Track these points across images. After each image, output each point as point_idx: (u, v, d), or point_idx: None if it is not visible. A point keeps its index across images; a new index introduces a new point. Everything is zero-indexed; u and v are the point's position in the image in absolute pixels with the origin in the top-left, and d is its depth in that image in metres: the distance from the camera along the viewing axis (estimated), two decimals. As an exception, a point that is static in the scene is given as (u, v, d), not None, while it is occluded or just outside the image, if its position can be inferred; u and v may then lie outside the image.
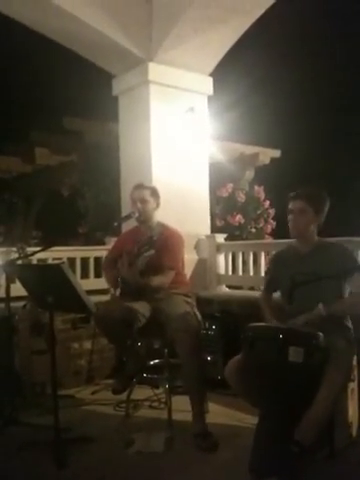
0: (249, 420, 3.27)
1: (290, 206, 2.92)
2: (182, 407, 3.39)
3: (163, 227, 3.67)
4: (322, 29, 9.97)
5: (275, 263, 3.16)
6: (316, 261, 2.87)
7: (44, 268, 3.56)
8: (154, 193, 3.67)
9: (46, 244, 4.73)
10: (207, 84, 5.49)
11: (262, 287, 3.33)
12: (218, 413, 3.62)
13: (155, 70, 5.06)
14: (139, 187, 3.69)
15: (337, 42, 10.30)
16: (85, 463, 2.94)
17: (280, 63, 9.89)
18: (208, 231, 5.56)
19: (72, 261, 5.13)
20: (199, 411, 3.21)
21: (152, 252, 3.39)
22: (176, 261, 3.56)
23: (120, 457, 3.01)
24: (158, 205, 3.69)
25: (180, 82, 5.24)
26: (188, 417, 3.24)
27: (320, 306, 2.70)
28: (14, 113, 10.15)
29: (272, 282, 3.12)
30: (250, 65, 9.12)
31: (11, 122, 9.84)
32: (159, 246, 3.47)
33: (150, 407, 3.83)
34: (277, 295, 3.12)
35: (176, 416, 3.47)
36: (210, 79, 5.50)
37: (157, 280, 3.45)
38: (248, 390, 2.75)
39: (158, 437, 3.19)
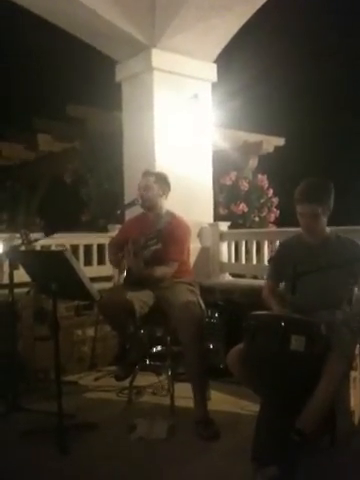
0: (251, 408, 3.29)
1: (300, 210, 2.83)
2: (185, 394, 3.40)
3: (171, 217, 3.64)
4: (328, 18, 9.87)
5: (281, 252, 3.13)
6: (323, 253, 2.85)
7: (47, 255, 3.57)
8: (159, 180, 3.63)
9: (49, 231, 4.72)
10: (211, 71, 5.44)
11: (265, 276, 3.30)
12: (220, 401, 3.63)
13: (159, 56, 5.02)
14: (145, 174, 3.67)
15: (344, 31, 10.20)
16: (88, 449, 2.96)
17: (285, 51, 9.81)
18: (211, 219, 5.55)
19: (75, 248, 5.13)
20: (201, 399, 3.23)
21: (159, 246, 3.36)
22: (180, 253, 3.55)
23: (122, 443, 3.03)
24: (165, 192, 3.64)
25: (184, 69, 5.20)
26: (191, 404, 3.26)
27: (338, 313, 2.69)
28: (17, 100, 10.11)
29: (276, 271, 3.10)
30: (255, 52, 9.04)
31: (14, 109, 9.81)
32: (165, 236, 3.45)
33: (153, 394, 3.85)
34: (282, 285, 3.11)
35: (179, 403, 3.48)
36: (214, 66, 5.45)
37: (160, 271, 3.45)
38: (250, 378, 2.76)
39: (161, 424, 3.21)
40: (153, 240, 3.36)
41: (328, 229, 2.93)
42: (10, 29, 8.40)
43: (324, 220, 2.87)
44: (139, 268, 3.39)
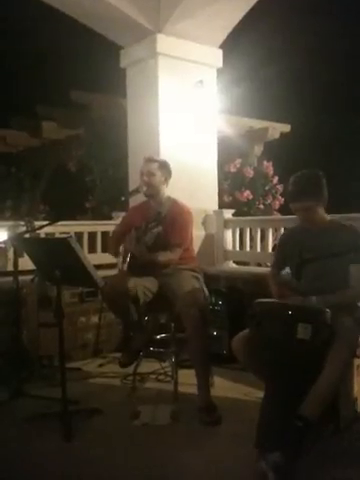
0: (254, 394, 3.31)
1: (293, 207, 2.86)
2: (188, 380, 3.42)
3: (172, 202, 3.64)
4: (336, 3, 9.75)
5: (285, 240, 3.15)
6: (325, 239, 2.86)
7: (51, 242, 3.57)
8: (162, 167, 3.62)
9: (53, 218, 4.73)
10: (216, 57, 5.40)
11: (270, 263, 3.30)
12: (223, 387, 3.65)
13: (164, 42, 4.98)
14: (148, 160, 3.65)
15: (352, 14, 10.05)
16: (92, 435, 2.98)
17: (292, 35, 9.69)
18: (216, 207, 5.53)
19: (79, 236, 5.14)
20: (204, 385, 3.24)
21: (160, 229, 3.38)
22: (184, 238, 3.54)
23: (126, 429, 3.05)
24: (167, 179, 3.63)
25: (189, 54, 5.15)
26: (194, 390, 3.27)
27: (313, 298, 2.69)
28: (21, 87, 10.05)
29: (281, 259, 3.10)
30: (261, 38, 8.94)
31: (18, 96, 9.76)
32: (168, 222, 3.45)
33: (157, 380, 3.88)
34: (286, 272, 3.11)
35: (182, 389, 3.50)
36: (220, 51, 5.40)
37: (164, 256, 3.44)
38: (255, 364, 2.77)
39: (164, 410, 3.23)
40: (153, 223, 3.37)
41: (329, 216, 2.93)
42: (13, 15, 8.33)
43: (321, 210, 2.86)
44: (142, 254, 3.38)
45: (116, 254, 3.65)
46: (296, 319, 2.53)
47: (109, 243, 4.03)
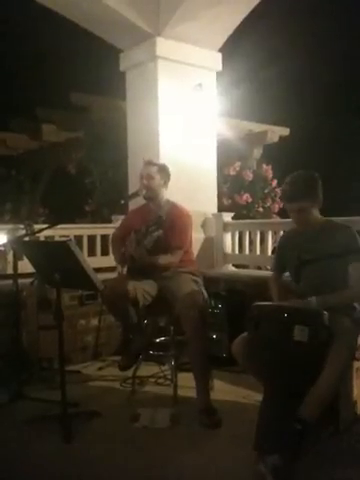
0: (253, 397, 3.32)
1: (287, 208, 2.87)
2: (188, 383, 3.42)
3: (172, 205, 3.65)
4: (335, 5, 9.77)
5: (283, 243, 3.16)
6: (323, 240, 2.86)
7: (51, 245, 3.57)
8: (162, 170, 3.64)
9: (53, 221, 4.73)
10: (216, 60, 5.41)
11: (270, 267, 3.31)
12: (223, 390, 3.65)
13: (163, 45, 4.99)
14: (148, 163, 3.67)
15: (352, 15, 10.07)
16: (91, 437, 2.98)
17: (290, 37, 9.71)
18: (215, 210, 5.53)
19: (79, 239, 5.14)
20: (203, 387, 3.24)
21: (160, 232, 3.38)
22: (184, 241, 3.56)
23: (126, 431, 3.06)
24: (166, 183, 3.65)
25: (188, 58, 5.16)
26: (193, 393, 3.28)
27: (312, 299, 2.70)
28: (21, 89, 10.07)
29: (280, 261, 3.12)
30: (260, 39, 8.95)
31: (17, 98, 9.78)
32: (167, 225, 3.46)
33: (156, 383, 3.88)
34: (287, 275, 3.12)
35: (182, 392, 3.50)
36: (219, 55, 5.42)
37: (164, 259, 3.45)
38: (254, 367, 2.78)
39: (164, 413, 3.23)
40: (154, 226, 3.38)
41: (323, 218, 2.93)
42: (14, 17, 8.35)
43: (315, 211, 2.87)
44: (142, 257, 3.39)
45: (120, 261, 3.64)
46: (293, 321, 2.54)
47: (111, 248, 4.03)
